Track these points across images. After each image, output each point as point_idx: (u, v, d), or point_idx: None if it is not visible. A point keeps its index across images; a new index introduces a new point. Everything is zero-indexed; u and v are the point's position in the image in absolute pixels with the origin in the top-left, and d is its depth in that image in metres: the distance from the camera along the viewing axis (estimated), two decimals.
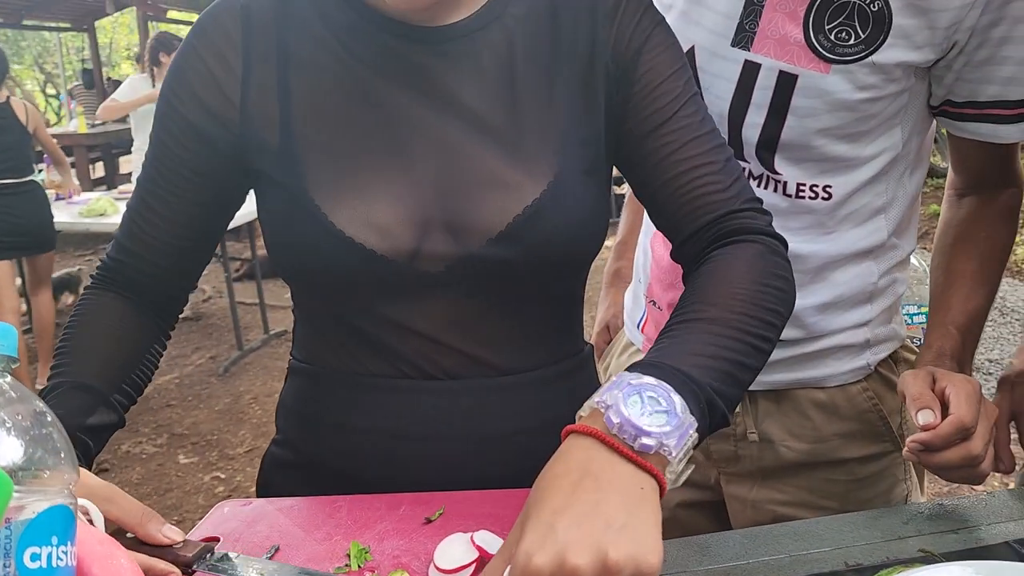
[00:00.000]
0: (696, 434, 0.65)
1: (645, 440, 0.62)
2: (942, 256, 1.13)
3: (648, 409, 0.63)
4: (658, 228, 0.91)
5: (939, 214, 1.19)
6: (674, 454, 0.63)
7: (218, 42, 0.85)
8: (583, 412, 0.67)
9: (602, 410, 0.64)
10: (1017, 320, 4.16)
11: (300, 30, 0.85)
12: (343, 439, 0.90)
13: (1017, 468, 1.12)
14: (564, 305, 0.94)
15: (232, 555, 0.75)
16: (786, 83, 1.00)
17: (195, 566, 0.72)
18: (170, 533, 0.73)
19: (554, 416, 0.89)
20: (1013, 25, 0.96)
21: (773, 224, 0.89)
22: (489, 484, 0.86)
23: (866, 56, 0.97)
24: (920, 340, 1.44)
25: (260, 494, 0.99)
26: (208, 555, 0.74)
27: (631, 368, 0.69)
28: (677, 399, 0.65)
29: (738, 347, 0.74)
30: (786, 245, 0.87)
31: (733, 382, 0.72)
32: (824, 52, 0.98)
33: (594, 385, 0.97)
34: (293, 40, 0.85)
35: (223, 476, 3.40)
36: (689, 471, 0.66)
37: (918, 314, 1.76)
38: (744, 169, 1.07)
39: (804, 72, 0.99)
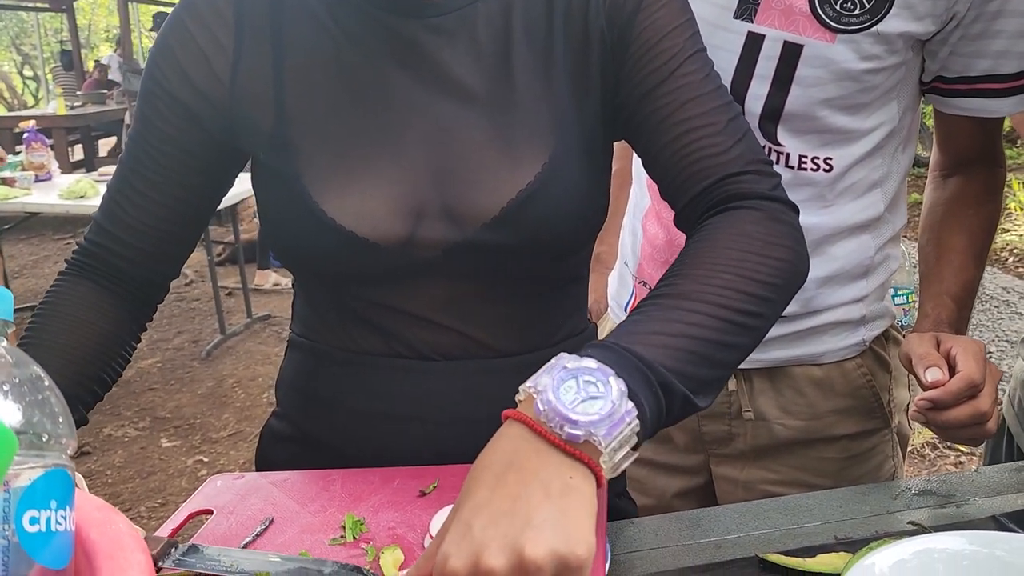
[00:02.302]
0: (637, 421, 0.60)
1: (571, 430, 0.57)
2: (931, 233, 1.15)
3: (582, 395, 0.59)
4: (662, 196, 0.87)
5: (921, 204, 1.21)
6: (604, 444, 0.58)
7: (208, 18, 0.83)
8: (520, 396, 0.62)
9: (534, 395, 0.60)
10: (996, 307, 4.22)
11: (294, 8, 0.84)
12: (338, 416, 0.90)
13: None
14: (563, 286, 0.93)
15: (201, 546, 0.70)
16: (791, 53, 1.01)
17: (160, 563, 0.68)
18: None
19: None
20: None
21: None
22: None
23: (871, 26, 0.98)
24: (901, 321, 1.46)
25: (258, 466, 0.99)
26: (172, 550, 0.69)
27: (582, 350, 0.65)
28: (615, 384, 0.60)
29: (714, 324, 0.68)
30: (796, 210, 0.81)
31: (703, 362, 0.67)
32: (830, 22, 0.99)
33: None
34: (287, 19, 0.83)
35: (206, 459, 3.38)
36: (630, 460, 0.61)
37: (897, 296, 1.78)
38: None
39: (810, 42, 1.00)
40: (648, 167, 0.87)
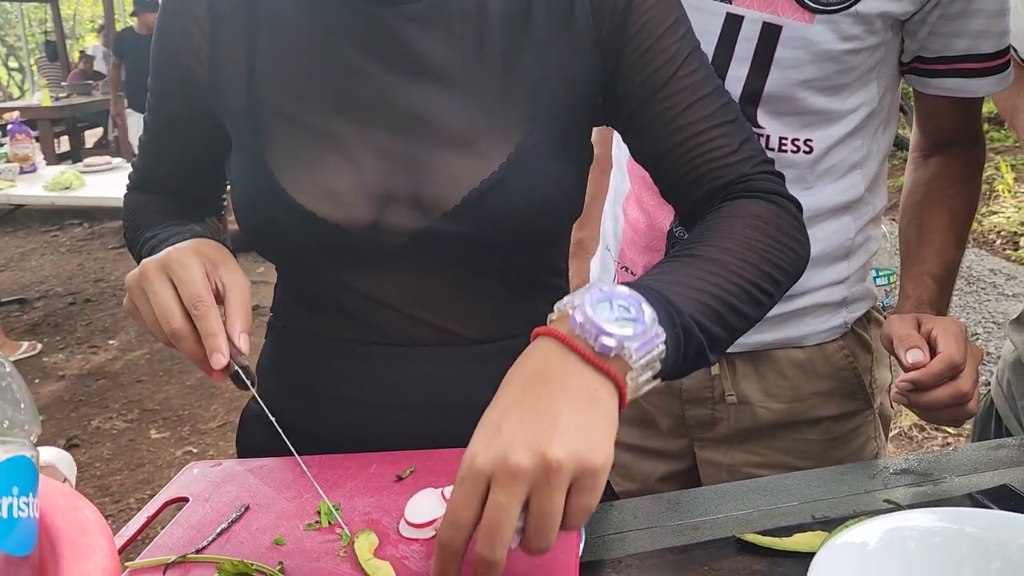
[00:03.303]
0: (664, 347, 0.62)
1: (605, 340, 0.59)
2: (912, 213, 1.15)
3: (615, 315, 0.60)
4: (663, 195, 0.87)
5: (902, 186, 1.21)
6: (635, 358, 0.60)
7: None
8: (552, 315, 0.64)
9: (569, 311, 0.61)
10: (983, 289, 4.23)
11: None
12: (313, 401, 0.90)
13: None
14: (538, 277, 0.91)
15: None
16: (770, 35, 1.00)
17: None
18: (242, 342, 0.76)
19: None
20: None
21: None
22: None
23: (850, 6, 0.98)
24: (882, 302, 1.46)
25: (239, 447, 0.99)
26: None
27: None
28: (648, 310, 0.62)
29: (732, 289, 0.71)
30: (800, 208, 0.83)
31: (719, 321, 0.69)
32: (809, 2, 0.98)
33: None
34: (262, 2, 0.83)
35: (195, 451, 3.38)
36: (651, 385, 0.64)
37: (879, 277, 1.79)
38: None
39: (789, 22, 0.99)
40: (649, 167, 0.86)
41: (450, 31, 0.81)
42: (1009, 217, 5.32)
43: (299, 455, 0.83)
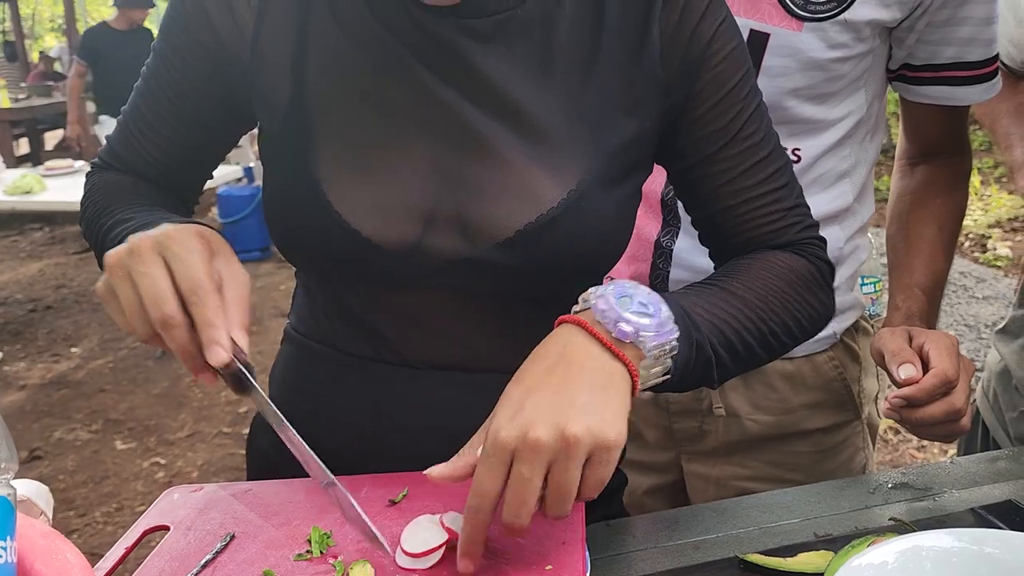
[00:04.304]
0: (677, 345, 0.67)
1: (623, 326, 0.64)
2: (900, 222, 1.14)
3: (635, 308, 0.66)
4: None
5: (888, 191, 1.20)
6: (648, 347, 0.65)
7: None
8: (577, 307, 0.69)
9: (593, 300, 0.67)
10: (953, 291, 4.29)
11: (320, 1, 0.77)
12: (321, 414, 0.86)
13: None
14: (569, 307, 0.89)
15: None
16: (758, 42, 0.99)
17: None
18: (241, 340, 0.67)
19: None
20: None
21: None
22: None
23: (838, 13, 0.96)
24: (869, 310, 1.46)
25: (248, 453, 0.96)
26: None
27: None
28: (664, 308, 0.67)
29: (748, 326, 0.75)
30: (834, 274, 0.86)
31: (729, 348, 0.73)
32: (797, 9, 0.97)
33: None
34: (314, 7, 0.77)
35: (163, 462, 3.30)
36: (661, 380, 0.68)
37: (864, 285, 1.78)
38: None
39: (776, 30, 0.98)
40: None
41: (513, 53, 0.76)
42: (976, 220, 5.40)
43: (300, 470, 0.79)
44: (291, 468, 0.77)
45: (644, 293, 0.67)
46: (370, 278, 0.79)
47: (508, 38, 0.76)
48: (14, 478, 0.49)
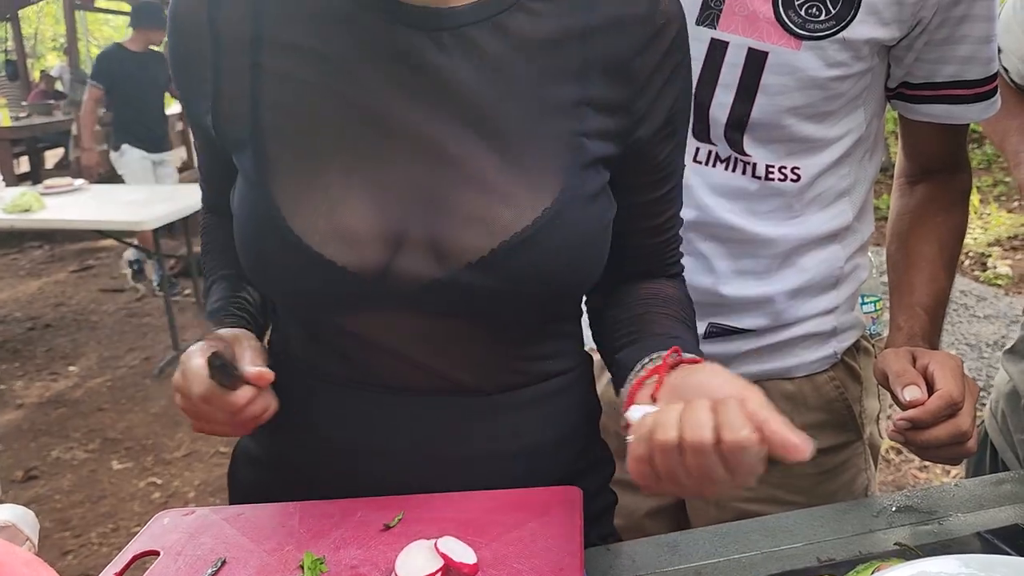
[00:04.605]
0: None
1: None
2: (900, 241, 1.13)
3: None
4: None
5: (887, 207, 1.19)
6: None
7: (186, 25, 0.77)
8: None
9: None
10: (954, 310, 4.26)
11: (277, 8, 0.76)
12: (303, 441, 0.85)
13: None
14: (552, 327, 0.86)
15: None
16: (756, 61, 0.98)
17: None
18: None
19: (527, 442, 0.84)
20: (972, 3, 0.97)
21: (741, 208, 0.99)
22: None
23: (837, 32, 0.96)
24: (870, 329, 1.45)
25: (229, 485, 0.95)
26: None
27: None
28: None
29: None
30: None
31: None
32: (795, 28, 0.96)
33: (580, 406, 0.91)
34: (268, 20, 0.76)
35: (160, 482, 3.27)
36: None
37: (865, 304, 1.77)
38: (711, 152, 1.04)
39: (775, 49, 0.97)
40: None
41: (487, 67, 0.74)
42: (976, 238, 5.38)
43: (285, 499, 0.78)
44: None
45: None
46: (341, 304, 0.77)
47: (482, 52, 0.74)
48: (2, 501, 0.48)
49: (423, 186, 0.73)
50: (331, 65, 0.74)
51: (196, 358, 0.74)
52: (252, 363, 0.76)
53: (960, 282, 4.69)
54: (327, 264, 0.72)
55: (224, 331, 0.81)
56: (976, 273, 5.00)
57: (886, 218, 1.20)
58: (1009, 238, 5.43)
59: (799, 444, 0.62)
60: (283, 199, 0.73)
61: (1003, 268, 4.94)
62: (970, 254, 5.22)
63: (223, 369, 0.72)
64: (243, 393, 0.74)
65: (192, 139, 0.95)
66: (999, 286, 4.75)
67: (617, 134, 0.78)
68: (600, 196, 0.78)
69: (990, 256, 5.15)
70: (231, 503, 0.94)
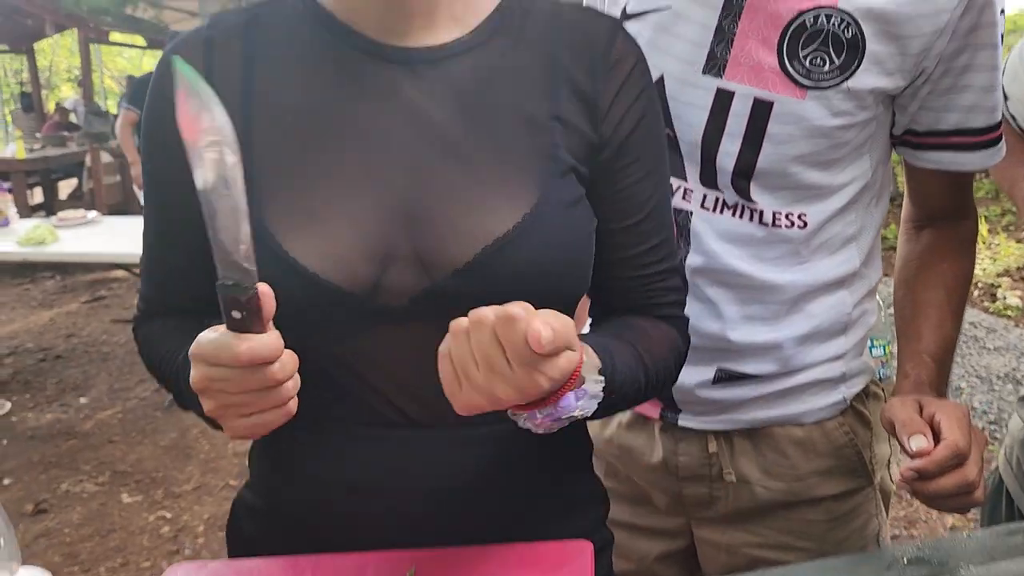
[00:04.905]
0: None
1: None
2: (906, 287, 1.14)
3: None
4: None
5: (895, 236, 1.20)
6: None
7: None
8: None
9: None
10: (964, 342, 4.25)
11: (267, 53, 0.82)
12: (305, 488, 0.85)
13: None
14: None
15: None
16: (761, 110, 1.00)
17: None
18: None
19: (526, 472, 0.85)
20: (975, 53, 0.99)
21: (748, 255, 1.02)
22: (456, 541, 0.81)
23: (841, 82, 0.97)
24: (879, 373, 1.45)
25: (228, 537, 0.94)
26: None
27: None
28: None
29: (648, 376, 0.84)
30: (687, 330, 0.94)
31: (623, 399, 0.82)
32: (800, 78, 0.98)
33: (573, 440, 0.92)
34: (259, 65, 0.81)
35: (169, 516, 3.27)
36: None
37: (874, 347, 1.77)
38: (718, 199, 1.06)
39: (780, 98, 0.99)
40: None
41: (457, 89, 0.80)
42: (985, 269, 5.37)
43: (291, 552, 0.78)
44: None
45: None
46: (334, 326, 0.79)
47: (453, 78, 0.81)
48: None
49: (406, 205, 0.78)
50: (316, 98, 0.80)
51: (203, 335, 0.69)
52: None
53: (970, 314, 4.67)
54: (324, 284, 0.75)
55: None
56: (986, 304, 4.98)
57: (894, 248, 1.21)
58: (1018, 268, 5.41)
59: (539, 335, 0.62)
60: (275, 223, 0.76)
61: (1013, 299, 4.92)
62: (979, 285, 5.20)
63: (233, 297, 0.65)
64: (270, 337, 0.68)
65: (143, 237, 0.90)
66: (1009, 317, 4.73)
67: (585, 153, 0.83)
68: (578, 205, 0.83)
69: (999, 287, 5.13)
70: (230, 556, 0.94)
